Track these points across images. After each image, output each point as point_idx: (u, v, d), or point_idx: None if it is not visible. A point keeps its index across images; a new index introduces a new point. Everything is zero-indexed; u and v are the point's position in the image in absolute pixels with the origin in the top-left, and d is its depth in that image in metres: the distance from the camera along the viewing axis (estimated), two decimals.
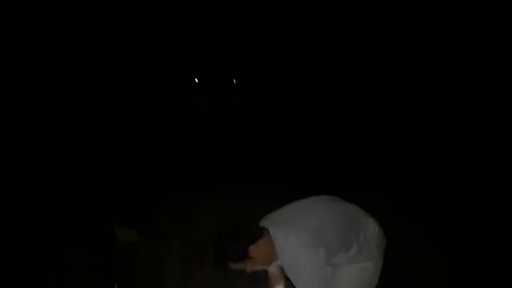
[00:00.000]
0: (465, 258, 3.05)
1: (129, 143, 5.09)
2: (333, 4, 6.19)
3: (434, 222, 3.58)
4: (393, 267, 2.91)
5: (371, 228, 1.76)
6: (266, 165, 5.45)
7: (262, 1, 6.24)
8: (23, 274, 2.61)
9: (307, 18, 6.30)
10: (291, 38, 6.41)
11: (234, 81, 7.36)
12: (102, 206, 3.64)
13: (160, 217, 3.55)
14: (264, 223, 1.72)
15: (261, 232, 1.66)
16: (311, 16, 6.35)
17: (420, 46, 5.65)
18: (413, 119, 4.04)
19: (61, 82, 4.65)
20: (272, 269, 1.94)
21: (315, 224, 1.66)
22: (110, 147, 4.73)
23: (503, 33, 4.82)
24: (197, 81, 6.63)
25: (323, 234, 1.63)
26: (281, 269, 1.93)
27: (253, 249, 1.62)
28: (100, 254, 3.00)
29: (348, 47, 6.11)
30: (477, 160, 4.01)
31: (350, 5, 6.16)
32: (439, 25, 5.47)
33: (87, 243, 3.09)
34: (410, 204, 4.05)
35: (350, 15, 6.18)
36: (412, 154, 4.69)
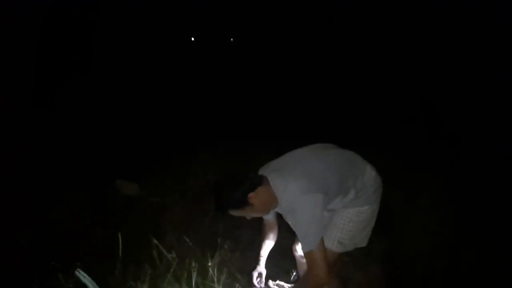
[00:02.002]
0: (459, 205, 3.14)
1: (130, 100, 5.20)
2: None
3: (430, 168, 3.64)
4: (390, 211, 2.97)
5: (368, 173, 1.79)
6: (264, 118, 5.58)
7: None
8: (31, 226, 2.67)
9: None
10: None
11: (232, 39, 7.50)
12: (105, 161, 3.78)
13: (161, 171, 3.66)
14: (263, 171, 1.76)
15: (261, 180, 1.69)
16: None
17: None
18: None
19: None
20: (268, 216, 1.99)
21: (313, 171, 1.69)
22: (112, 103, 4.84)
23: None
24: (193, 39, 6.74)
25: (321, 180, 1.66)
26: (275, 217, 2.02)
27: (252, 197, 1.66)
28: (104, 207, 3.09)
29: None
30: None
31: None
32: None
33: (91, 197, 3.18)
34: (407, 151, 4.14)
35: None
36: None
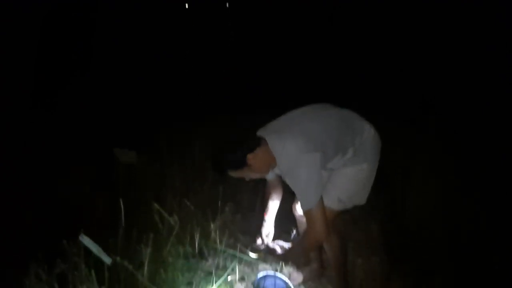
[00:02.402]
0: (460, 160, 3.17)
1: (129, 68, 5.19)
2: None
3: (429, 127, 3.68)
4: (389, 168, 3.02)
5: (367, 131, 1.79)
6: (267, 90, 5.60)
7: None
8: (34, 198, 2.72)
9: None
10: None
11: (227, 4, 7.36)
12: (104, 130, 3.81)
13: (159, 139, 3.66)
14: (261, 132, 1.76)
15: (259, 141, 1.71)
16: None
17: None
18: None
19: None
20: (270, 177, 2.02)
21: (311, 130, 1.69)
22: (111, 71, 4.82)
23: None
24: (187, 6, 6.64)
25: (319, 139, 1.67)
26: (278, 177, 2.04)
27: (251, 157, 1.68)
28: (105, 175, 3.13)
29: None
30: None
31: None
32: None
33: (91, 166, 3.22)
34: (404, 107, 4.16)
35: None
36: None
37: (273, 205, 2.14)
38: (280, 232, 2.48)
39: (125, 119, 4.25)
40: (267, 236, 2.12)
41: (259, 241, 2.10)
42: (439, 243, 2.50)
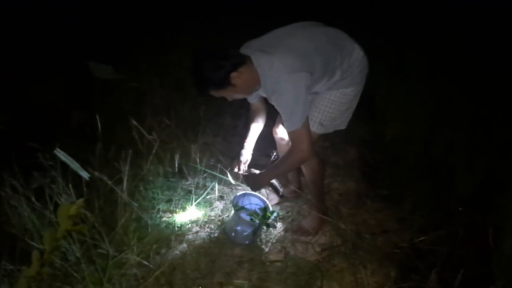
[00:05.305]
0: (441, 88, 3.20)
1: None
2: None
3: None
4: (372, 93, 3.05)
5: (356, 53, 1.74)
6: None
7: None
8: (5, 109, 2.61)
9: None
10: None
11: None
12: (78, 44, 3.61)
13: (137, 54, 3.53)
14: (245, 50, 1.68)
15: (244, 59, 1.63)
16: None
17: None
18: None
19: None
20: (253, 100, 1.98)
21: (298, 49, 1.62)
22: None
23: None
24: None
25: (307, 59, 1.62)
26: (261, 100, 2.01)
27: (235, 76, 1.61)
28: (79, 90, 3.02)
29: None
30: None
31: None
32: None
33: (65, 80, 3.08)
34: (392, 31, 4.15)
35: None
36: None
37: (255, 130, 2.09)
38: (261, 155, 2.51)
39: (98, 29, 3.97)
40: (244, 163, 2.07)
41: (235, 168, 2.07)
42: (412, 169, 2.60)
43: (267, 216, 1.99)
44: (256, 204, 2.14)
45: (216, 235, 2.07)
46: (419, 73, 3.38)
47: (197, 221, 2.13)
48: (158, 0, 5.35)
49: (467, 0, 5.73)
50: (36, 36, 3.65)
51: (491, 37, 4.43)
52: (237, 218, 1.98)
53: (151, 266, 1.74)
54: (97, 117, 1.89)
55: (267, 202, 2.13)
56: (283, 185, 2.35)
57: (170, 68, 3.37)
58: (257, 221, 1.98)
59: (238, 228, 1.97)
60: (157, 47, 3.82)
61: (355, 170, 2.77)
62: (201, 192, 2.27)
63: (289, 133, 1.68)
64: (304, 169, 2.04)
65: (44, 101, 2.77)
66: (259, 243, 2.05)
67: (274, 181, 2.15)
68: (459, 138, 2.65)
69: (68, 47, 3.50)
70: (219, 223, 2.14)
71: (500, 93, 3.04)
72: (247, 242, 2.01)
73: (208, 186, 2.31)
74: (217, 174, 2.19)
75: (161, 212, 2.13)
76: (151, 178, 2.30)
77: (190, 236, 2.04)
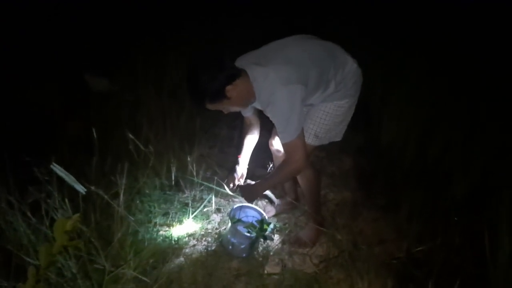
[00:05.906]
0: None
1: None
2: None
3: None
4: (368, 96, 3.05)
5: (349, 66, 1.76)
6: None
7: None
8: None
9: None
10: None
11: None
12: (78, 44, 3.66)
13: (132, 65, 3.51)
14: (240, 62, 1.70)
15: (239, 72, 1.64)
16: None
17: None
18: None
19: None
20: (247, 113, 1.99)
21: (293, 61, 1.64)
22: None
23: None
24: None
25: (302, 71, 1.63)
26: (256, 114, 2.02)
27: (230, 89, 1.62)
28: (75, 102, 3.03)
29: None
30: None
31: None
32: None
33: (60, 92, 3.10)
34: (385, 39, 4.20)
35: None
36: None
37: (249, 144, 2.09)
38: (257, 166, 2.51)
39: (94, 40, 3.98)
40: (240, 178, 2.07)
41: (231, 183, 2.07)
42: (408, 175, 2.60)
43: (264, 229, 1.99)
44: (253, 217, 2.13)
45: (213, 248, 2.06)
46: (418, 74, 3.41)
47: (194, 234, 2.12)
48: (158, 0, 5.38)
49: (467, 0, 5.81)
50: (36, 37, 3.66)
51: (491, 37, 4.47)
52: (234, 231, 1.97)
53: (148, 281, 1.72)
54: (93, 129, 1.89)
55: (264, 214, 2.12)
56: (280, 197, 2.36)
57: (168, 71, 3.37)
58: (254, 234, 1.97)
59: (235, 241, 1.97)
60: (157, 47, 3.82)
61: (351, 179, 2.78)
62: (198, 204, 2.26)
63: (284, 145, 1.69)
64: (300, 179, 2.05)
65: (40, 110, 2.76)
66: (256, 255, 2.04)
67: (268, 192, 2.15)
68: (455, 142, 2.66)
69: (68, 47, 3.50)
70: (216, 236, 2.13)
71: (500, 93, 3.07)
72: (244, 255, 2.00)
73: (205, 199, 2.30)
74: (214, 187, 2.19)
75: (158, 226, 2.12)
76: (147, 191, 2.29)
77: (187, 250, 2.03)
